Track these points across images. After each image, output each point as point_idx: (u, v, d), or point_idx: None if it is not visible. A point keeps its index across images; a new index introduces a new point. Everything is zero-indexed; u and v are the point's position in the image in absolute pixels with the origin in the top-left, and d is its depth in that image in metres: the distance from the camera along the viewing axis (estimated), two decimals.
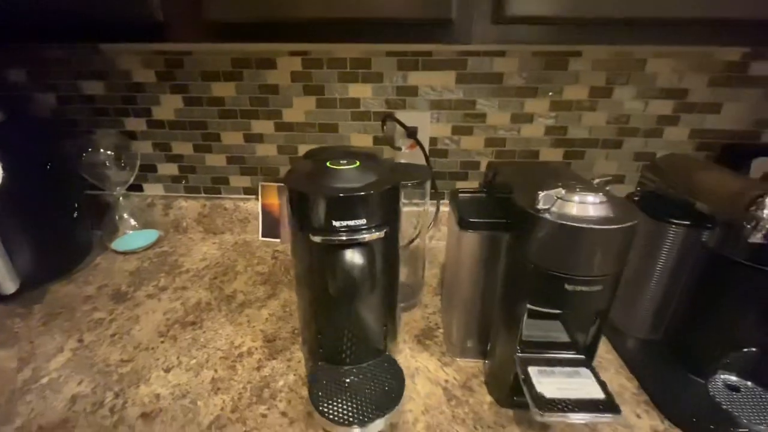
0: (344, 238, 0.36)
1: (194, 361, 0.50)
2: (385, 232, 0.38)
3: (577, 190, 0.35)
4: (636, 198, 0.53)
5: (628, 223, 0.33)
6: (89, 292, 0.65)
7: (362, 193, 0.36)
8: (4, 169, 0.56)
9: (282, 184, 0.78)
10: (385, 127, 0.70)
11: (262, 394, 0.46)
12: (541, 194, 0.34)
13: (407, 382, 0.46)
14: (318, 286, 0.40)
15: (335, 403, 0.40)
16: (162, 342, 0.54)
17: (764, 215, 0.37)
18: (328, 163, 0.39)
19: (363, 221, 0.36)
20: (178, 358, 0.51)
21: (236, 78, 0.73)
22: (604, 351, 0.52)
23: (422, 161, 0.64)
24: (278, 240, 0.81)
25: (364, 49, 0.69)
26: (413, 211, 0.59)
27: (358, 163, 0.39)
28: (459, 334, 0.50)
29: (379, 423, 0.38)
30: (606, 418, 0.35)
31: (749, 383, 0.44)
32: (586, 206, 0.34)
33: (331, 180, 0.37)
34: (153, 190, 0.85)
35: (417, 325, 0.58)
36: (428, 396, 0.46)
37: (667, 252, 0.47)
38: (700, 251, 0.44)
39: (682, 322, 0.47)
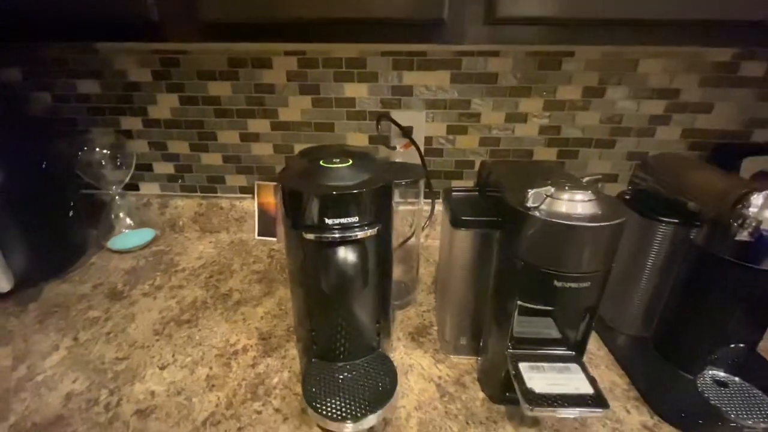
0: (337, 235, 0.37)
1: (189, 358, 0.51)
2: (378, 230, 0.38)
3: (566, 188, 0.35)
4: (627, 196, 0.53)
5: (616, 221, 0.33)
6: (84, 290, 0.65)
7: (354, 191, 0.36)
8: None
9: (278, 183, 0.78)
10: (379, 127, 0.71)
11: (256, 391, 0.46)
12: (531, 192, 0.35)
13: (401, 378, 0.46)
14: (311, 283, 0.41)
15: (329, 400, 0.40)
16: (157, 340, 0.54)
17: (750, 213, 0.38)
18: (321, 162, 0.39)
19: (355, 219, 0.37)
20: (173, 355, 0.51)
21: (232, 77, 0.73)
22: (596, 348, 0.53)
23: (417, 160, 0.64)
24: (274, 239, 0.81)
25: (359, 48, 0.69)
26: (408, 210, 0.59)
27: (350, 161, 0.39)
28: (452, 332, 0.50)
29: (372, 418, 0.38)
30: (594, 412, 0.36)
31: (737, 379, 0.45)
32: (574, 204, 0.35)
33: (324, 178, 0.38)
34: (149, 189, 0.85)
35: (411, 323, 0.58)
36: (421, 392, 0.46)
37: (657, 250, 0.48)
38: (689, 249, 0.44)
39: (672, 318, 0.48)
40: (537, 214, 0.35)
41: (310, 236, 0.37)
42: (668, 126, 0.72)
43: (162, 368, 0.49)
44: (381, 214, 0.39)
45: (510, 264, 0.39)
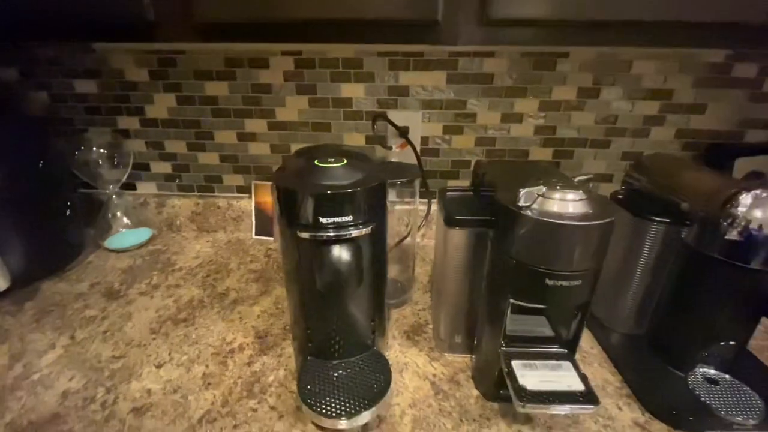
0: (331, 234, 0.37)
1: (186, 357, 0.51)
2: (372, 229, 0.39)
3: (558, 187, 0.36)
4: (620, 196, 0.54)
5: (606, 220, 0.34)
6: (81, 289, 0.65)
7: (348, 190, 0.37)
8: None
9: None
10: (375, 127, 0.71)
11: (252, 388, 0.46)
12: (522, 192, 0.35)
13: (396, 376, 0.47)
14: (306, 281, 0.41)
15: (323, 397, 0.40)
16: (154, 338, 0.54)
17: (739, 212, 0.38)
18: (316, 161, 0.40)
19: (349, 218, 0.37)
20: (169, 354, 0.51)
21: (229, 77, 0.73)
22: (589, 346, 0.53)
23: (414, 160, 0.65)
24: (271, 238, 0.82)
25: (355, 49, 0.70)
26: (404, 209, 0.60)
27: (345, 161, 0.40)
28: (447, 330, 0.51)
29: (366, 415, 0.39)
30: (585, 409, 0.36)
31: (727, 376, 0.46)
32: (565, 203, 0.35)
33: (318, 177, 0.38)
34: (146, 188, 0.85)
35: (407, 322, 0.58)
36: (416, 390, 0.46)
37: (649, 249, 0.48)
38: (680, 248, 0.45)
39: (664, 317, 0.48)
40: (528, 213, 0.35)
41: (305, 235, 0.37)
42: (662, 126, 0.72)
43: (158, 366, 0.49)
44: (375, 213, 0.40)
45: (503, 263, 0.39)
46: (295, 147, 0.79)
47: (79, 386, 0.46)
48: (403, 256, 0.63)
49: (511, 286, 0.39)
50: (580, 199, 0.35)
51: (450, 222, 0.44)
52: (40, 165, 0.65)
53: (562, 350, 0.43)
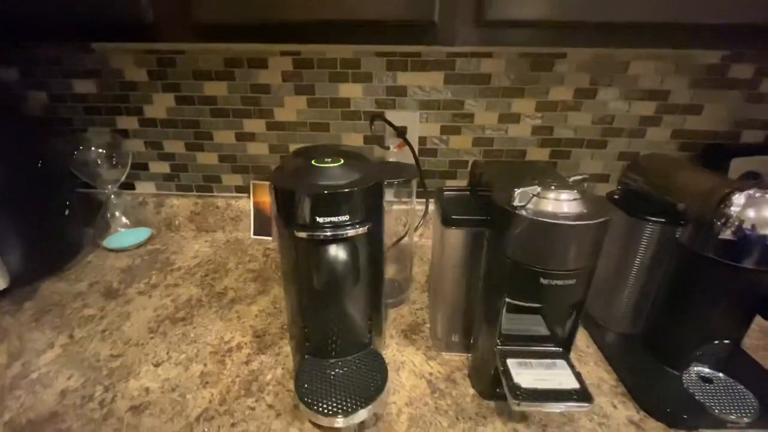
0: (328, 233, 0.37)
1: (184, 355, 0.51)
2: (368, 228, 0.39)
3: (552, 187, 0.36)
4: (616, 196, 0.54)
5: (600, 219, 0.34)
6: (80, 289, 0.65)
7: (345, 190, 0.37)
8: None
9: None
10: (373, 127, 0.72)
11: (250, 387, 0.46)
12: (517, 191, 0.36)
13: (392, 375, 0.47)
14: (303, 280, 0.42)
15: (320, 395, 0.41)
16: (152, 338, 0.54)
17: (733, 212, 0.39)
18: (313, 161, 0.40)
19: (346, 217, 0.38)
20: (167, 353, 0.52)
21: (228, 77, 0.74)
22: (585, 345, 0.54)
23: (411, 160, 0.65)
24: (270, 238, 0.82)
25: (354, 49, 0.70)
26: (402, 209, 0.60)
27: (342, 161, 0.40)
28: (444, 329, 0.51)
29: (363, 413, 0.39)
30: (580, 407, 0.37)
31: (721, 375, 0.46)
32: (560, 203, 0.35)
33: (315, 177, 0.39)
34: (145, 188, 0.85)
35: (404, 321, 0.59)
36: (413, 388, 0.47)
37: (644, 248, 0.48)
38: (675, 248, 0.45)
39: (659, 316, 0.49)
40: (523, 213, 0.35)
41: (302, 234, 0.38)
42: (659, 127, 0.73)
43: (156, 365, 0.50)
44: (372, 213, 0.40)
45: (498, 262, 0.39)
46: (293, 147, 0.79)
47: (78, 385, 0.47)
48: (401, 256, 0.63)
49: (506, 285, 0.39)
50: (575, 199, 0.36)
51: (447, 222, 0.45)
52: (39, 165, 0.66)
53: (558, 349, 0.43)
